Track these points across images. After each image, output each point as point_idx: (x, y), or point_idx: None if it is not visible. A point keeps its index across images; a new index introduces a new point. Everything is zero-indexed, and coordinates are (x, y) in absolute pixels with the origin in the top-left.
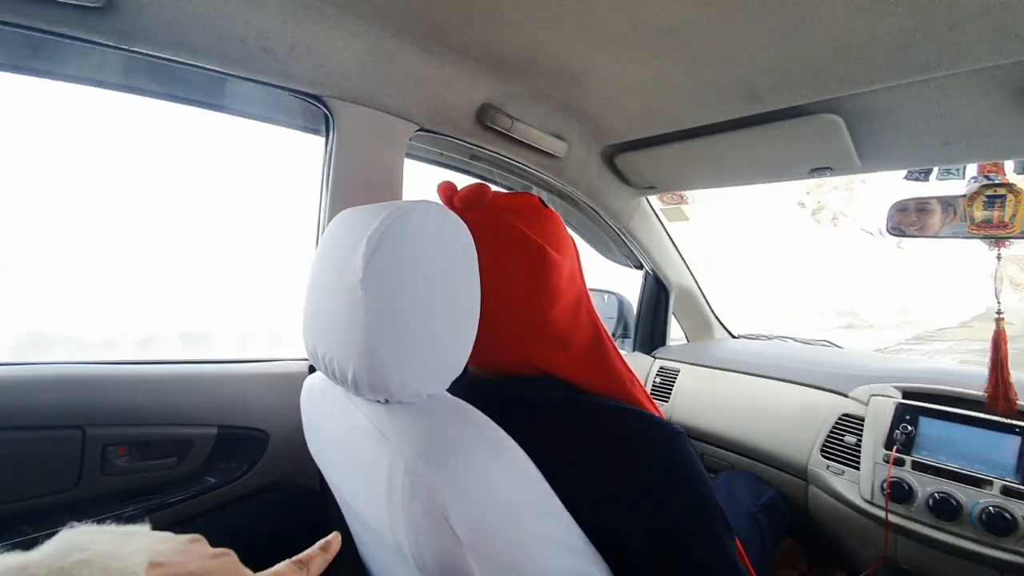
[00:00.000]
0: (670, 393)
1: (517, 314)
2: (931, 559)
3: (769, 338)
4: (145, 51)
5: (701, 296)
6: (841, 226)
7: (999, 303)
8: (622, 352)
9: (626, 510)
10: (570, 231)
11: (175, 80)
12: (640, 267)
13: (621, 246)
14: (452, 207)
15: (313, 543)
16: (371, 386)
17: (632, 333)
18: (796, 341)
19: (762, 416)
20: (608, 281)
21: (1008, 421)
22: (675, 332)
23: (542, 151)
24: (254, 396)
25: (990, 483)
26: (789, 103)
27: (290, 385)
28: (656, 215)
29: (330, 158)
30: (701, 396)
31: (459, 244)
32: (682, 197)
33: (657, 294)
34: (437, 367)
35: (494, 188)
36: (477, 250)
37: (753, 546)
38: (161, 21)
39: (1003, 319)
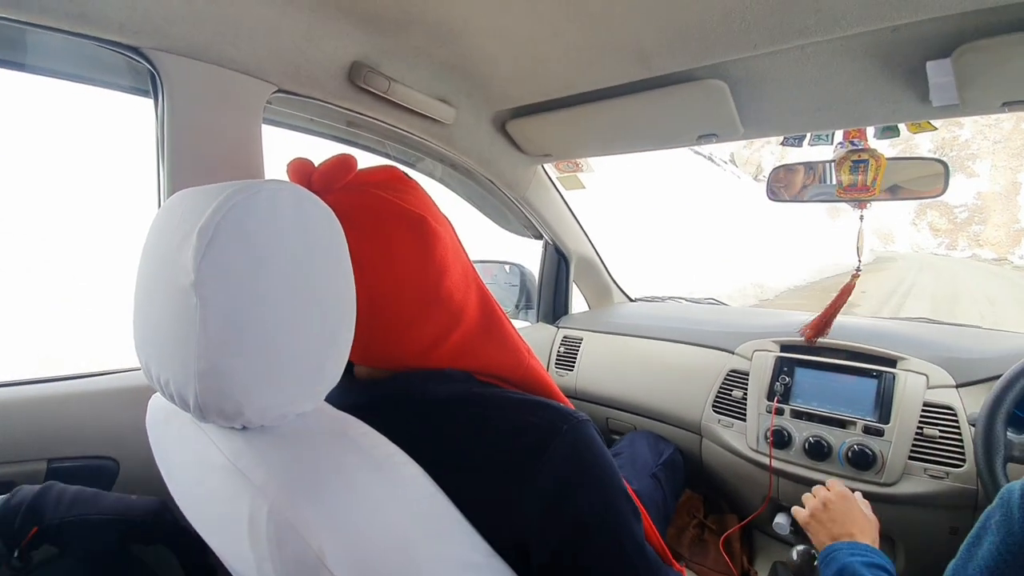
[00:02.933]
0: (574, 362)
1: (408, 294)
2: None
3: (663, 300)
4: None
5: (600, 263)
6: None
7: (860, 261)
8: (526, 323)
9: (532, 509)
10: (467, 203)
11: None
12: (539, 237)
13: (519, 216)
14: (313, 189)
15: None
16: (220, 412)
17: (535, 304)
18: (687, 301)
19: (659, 378)
20: (512, 253)
21: (866, 366)
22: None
23: (428, 117)
24: (94, 418)
25: (854, 423)
26: (677, 68)
27: (141, 400)
28: (553, 183)
29: (163, 127)
30: (603, 363)
31: (322, 230)
32: (577, 165)
33: (557, 264)
34: (306, 380)
35: (389, 161)
36: (348, 234)
37: (656, 503)
38: None
39: (858, 276)
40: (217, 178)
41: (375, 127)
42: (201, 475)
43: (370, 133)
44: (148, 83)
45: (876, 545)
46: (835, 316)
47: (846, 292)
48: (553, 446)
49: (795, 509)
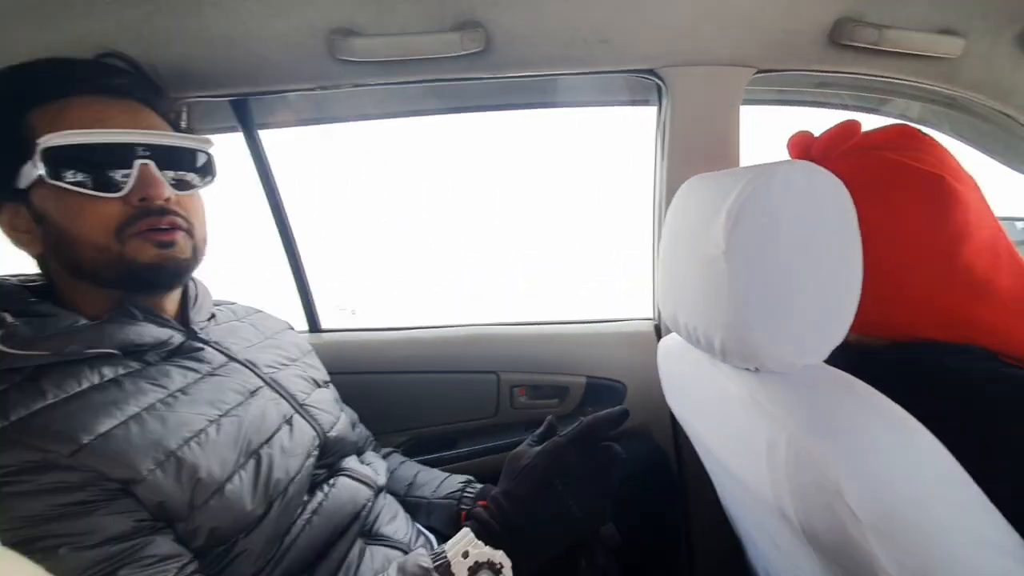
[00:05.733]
0: None
1: (919, 263)
2: None
3: None
4: (514, 75)
5: None
6: None
7: None
8: None
9: None
10: (972, 148)
11: (526, 91)
12: None
13: None
14: (811, 159)
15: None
16: (740, 355)
17: None
18: None
19: None
20: None
21: None
22: None
23: (924, 55)
24: (611, 352)
25: None
26: None
27: (640, 342)
28: None
29: (664, 126)
30: None
31: (833, 204)
32: None
33: None
34: (813, 337)
35: (848, 113)
36: (855, 201)
37: None
38: (524, 47)
39: None
40: (705, 161)
41: (849, 82)
42: (718, 403)
43: (839, 89)
44: (652, 93)
45: None
46: None
47: None
48: None
49: None
